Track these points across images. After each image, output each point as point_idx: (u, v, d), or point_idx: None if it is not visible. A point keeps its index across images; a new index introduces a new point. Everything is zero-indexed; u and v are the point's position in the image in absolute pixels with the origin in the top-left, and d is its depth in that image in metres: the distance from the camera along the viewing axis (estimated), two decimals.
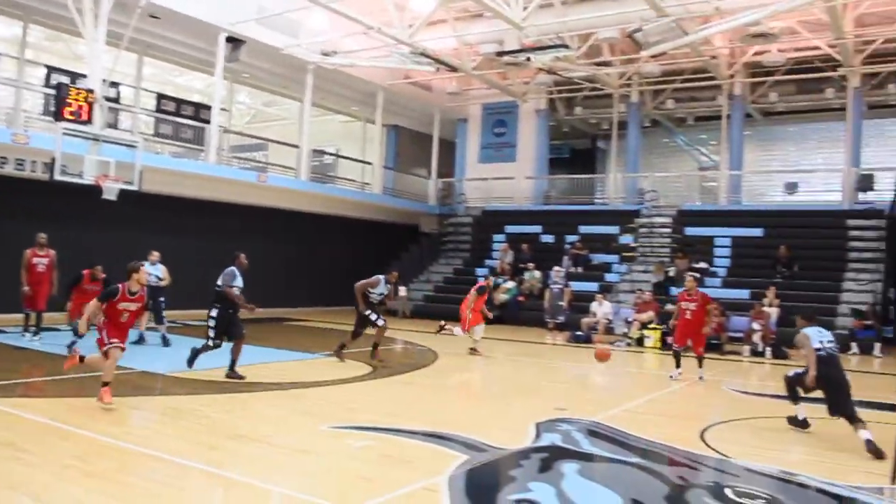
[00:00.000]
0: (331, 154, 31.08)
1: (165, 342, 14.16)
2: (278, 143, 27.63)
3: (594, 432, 8.12)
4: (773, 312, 18.16)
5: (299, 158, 24.53)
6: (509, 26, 19.29)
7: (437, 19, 21.41)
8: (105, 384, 8.28)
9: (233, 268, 10.67)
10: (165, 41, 22.07)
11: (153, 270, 14.26)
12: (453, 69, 23.66)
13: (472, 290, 15.83)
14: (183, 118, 21.49)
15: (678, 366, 12.78)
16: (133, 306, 8.73)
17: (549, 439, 7.68)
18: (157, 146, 21.78)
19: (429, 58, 21.64)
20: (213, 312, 10.47)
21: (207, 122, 21.52)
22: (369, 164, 29.01)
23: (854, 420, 8.09)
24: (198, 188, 21.17)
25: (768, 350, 17.29)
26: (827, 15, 19.54)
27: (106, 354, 8.43)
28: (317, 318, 22.63)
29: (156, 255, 14.61)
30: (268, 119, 34.03)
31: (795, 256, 21.65)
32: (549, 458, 6.94)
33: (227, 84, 26.06)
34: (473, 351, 15.31)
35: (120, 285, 8.68)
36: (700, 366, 12.73)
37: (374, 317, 13.07)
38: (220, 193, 21.80)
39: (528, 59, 20.27)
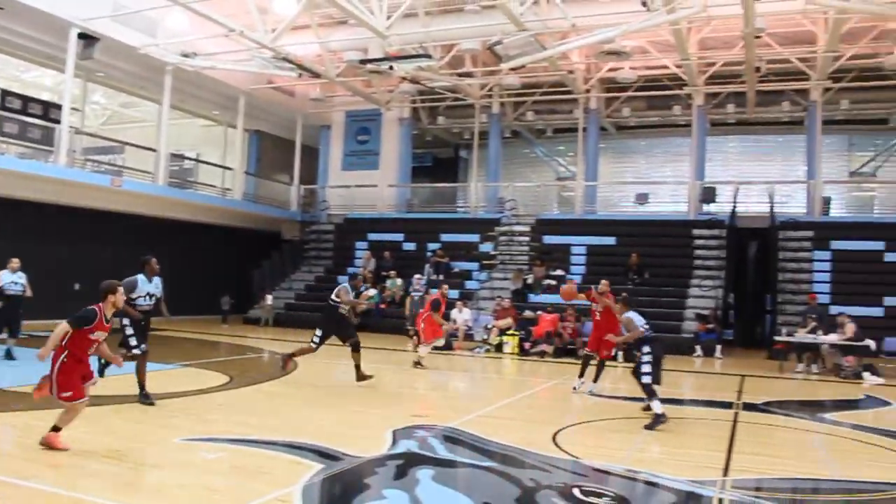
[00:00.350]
0: (190, 159, 30.21)
1: (10, 356, 13.35)
2: (134, 145, 26.61)
3: (450, 438, 8.25)
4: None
5: (157, 162, 23.71)
6: (373, 34, 19.36)
7: (300, 25, 21.21)
8: (57, 429, 6.98)
9: (135, 277, 9.67)
10: (10, 34, 20.80)
11: (15, 278, 13.53)
12: (316, 75, 23.48)
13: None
14: (30, 117, 20.37)
15: (582, 375, 12.21)
16: (103, 336, 7.17)
17: (405, 446, 7.75)
18: (2, 146, 20.56)
19: (291, 63, 21.41)
20: (125, 321, 9.62)
21: (57, 121, 20.49)
22: (230, 169, 28.38)
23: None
24: (46, 192, 20.13)
25: (620, 354, 17.91)
26: (673, 37, 20.59)
27: (72, 408, 6.99)
28: (175, 327, 21.83)
29: (16, 262, 13.76)
30: (125, 121, 32.72)
31: (645, 264, 22.65)
32: (405, 465, 7.00)
33: (80, 82, 24.91)
34: (419, 364, 15.02)
35: (96, 308, 7.10)
36: (597, 378, 12.19)
37: (318, 332, 12.13)
38: (70, 197, 20.81)
39: (391, 67, 20.38)
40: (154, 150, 24.07)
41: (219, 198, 27.57)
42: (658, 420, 9.22)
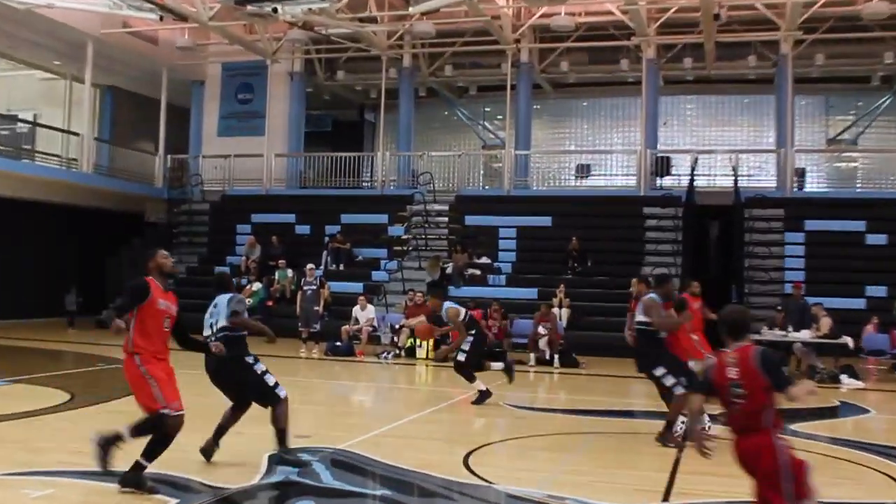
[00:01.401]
0: (25, 121, 29.32)
1: None
2: None
3: (338, 462, 8.24)
4: (563, 314, 19.12)
5: None
6: None
7: None
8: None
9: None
10: None
11: None
12: (183, 19, 23.03)
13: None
14: None
15: None
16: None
17: (283, 473, 7.69)
18: None
19: (150, 3, 20.92)
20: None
21: None
22: (77, 134, 27.62)
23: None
24: None
25: (556, 358, 18.10)
26: None
27: None
28: (6, 333, 21.25)
29: None
30: None
31: (588, 249, 22.91)
32: (280, 496, 7.02)
33: None
34: None
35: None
36: None
37: (669, 381, 9.60)
38: None
39: (275, 10, 20.03)
40: None
41: (63, 170, 26.89)
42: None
